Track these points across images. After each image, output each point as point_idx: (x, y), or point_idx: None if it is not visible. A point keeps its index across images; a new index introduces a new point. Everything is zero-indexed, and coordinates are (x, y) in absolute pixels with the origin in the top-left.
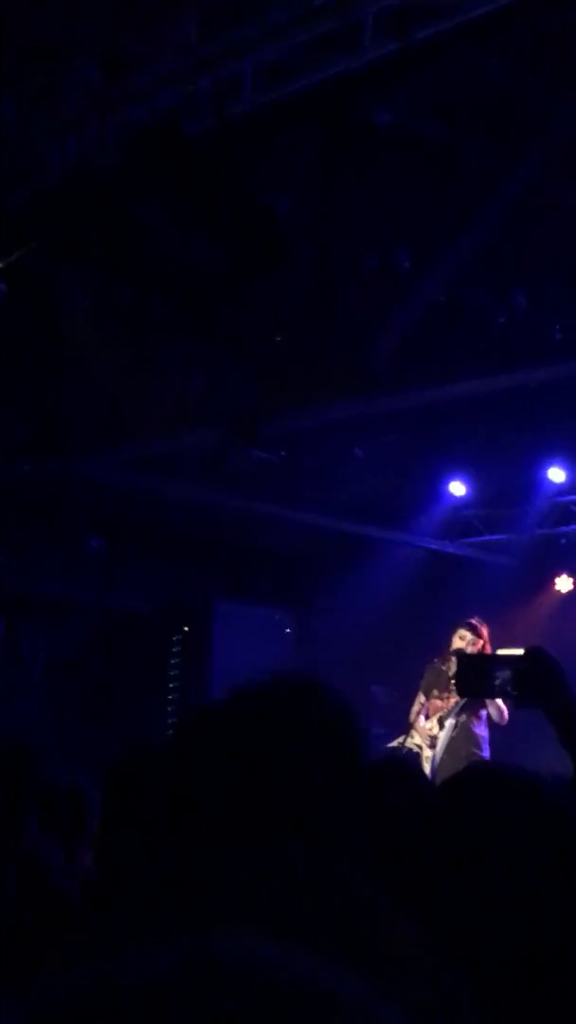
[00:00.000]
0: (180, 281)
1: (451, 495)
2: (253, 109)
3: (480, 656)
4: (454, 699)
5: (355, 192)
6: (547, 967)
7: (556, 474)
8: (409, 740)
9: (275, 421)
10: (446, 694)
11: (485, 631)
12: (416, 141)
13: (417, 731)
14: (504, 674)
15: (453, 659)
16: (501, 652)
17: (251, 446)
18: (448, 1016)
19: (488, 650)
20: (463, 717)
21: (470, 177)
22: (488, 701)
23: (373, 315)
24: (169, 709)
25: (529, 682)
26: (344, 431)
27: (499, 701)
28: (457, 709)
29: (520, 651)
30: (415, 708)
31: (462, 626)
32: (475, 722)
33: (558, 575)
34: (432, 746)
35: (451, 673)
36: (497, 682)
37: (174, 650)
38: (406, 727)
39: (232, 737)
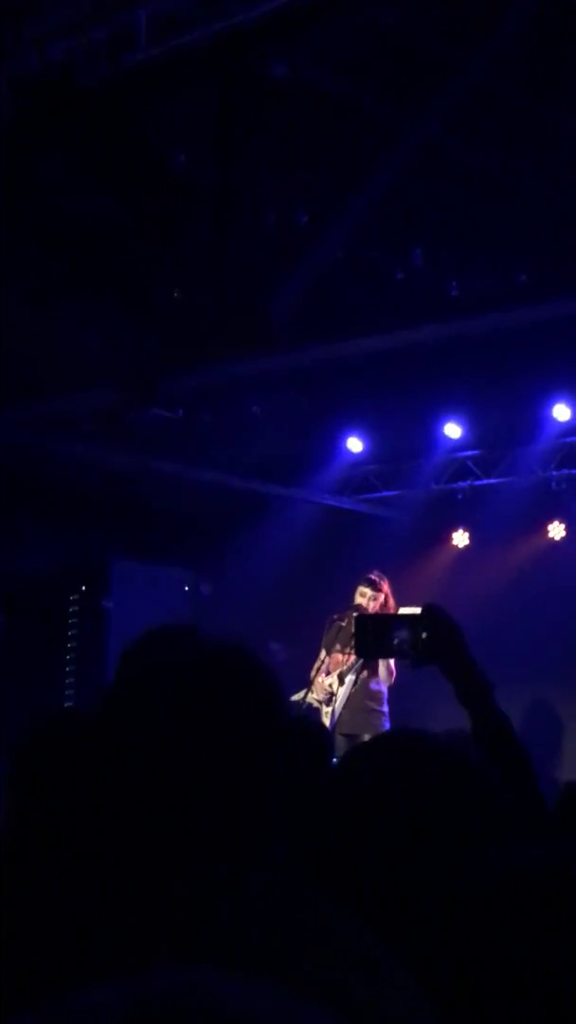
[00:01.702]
0: (75, 237)
1: (348, 452)
2: (148, 60)
3: (378, 616)
4: (353, 655)
5: (252, 147)
6: (464, 920)
7: (452, 430)
8: (310, 695)
9: (173, 379)
10: (348, 649)
11: (386, 585)
12: (313, 95)
13: (315, 685)
14: (402, 634)
15: (354, 615)
16: (400, 611)
17: (149, 405)
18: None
19: (391, 604)
20: (364, 673)
21: (368, 132)
22: (380, 661)
23: (270, 271)
24: (68, 669)
25: (426, 642)
26: (242, 389)
27: (390, 661)
28: (358, 665)
29: (418, 610)
30: (316, 664)
31: (363, 581)
32: (374, 678)
33: (454, 530)
34: (329, 702)
35: (344, 625)
36: (395, 642)
37: (72, 610)
38: (307, 683)
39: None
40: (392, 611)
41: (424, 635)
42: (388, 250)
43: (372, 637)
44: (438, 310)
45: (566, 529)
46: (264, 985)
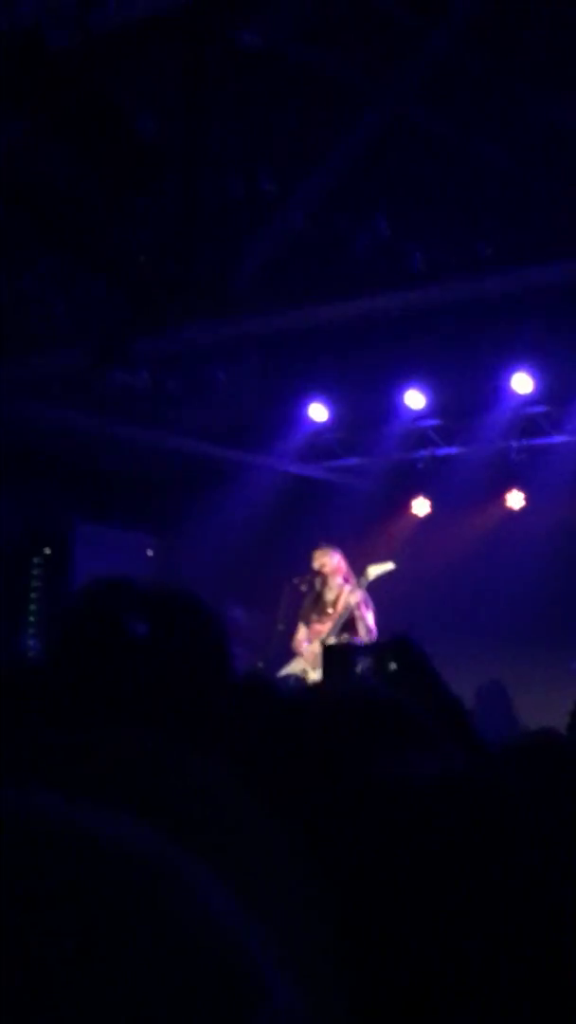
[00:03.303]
0: (41, 199)
1: (311, 419)
2: (118, 23)
3: (345, 646)
4: (331, 621)
5: (220, 114)
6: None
7: (414, 399)
8: (295, 667)
9: (138, 343)
10: (324, 617)
11: (339, 552)
12: (281, 63)
13: (303, 656)
14: (367, 662)
15: (316, 579)
16: (369, 568)
17: (114, 368)
18: (272, 881)
19: (346, 571)
20: (343, 636)
21: (335, 101)
22: (357, 618)
23: (236, 238)
24: (30, 631)
25: (395, 673)
26: (206, 354)
27: (368, 620)
28: (336, 629)
29: (389, 565)
30: (298, 636)
31: (321, 547)
32: (355, 639)
33: (415, 498)
34: (316, 667)
35: (316, 594)
36: (358, 669)
37: (34, 572)
38: (291, 656)
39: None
40: (348, 578)
41: (393, 665)
42: (352, 219)
43: (338, 667)
44: (401, 279)
45: (525, 499)
46: (98, 807)
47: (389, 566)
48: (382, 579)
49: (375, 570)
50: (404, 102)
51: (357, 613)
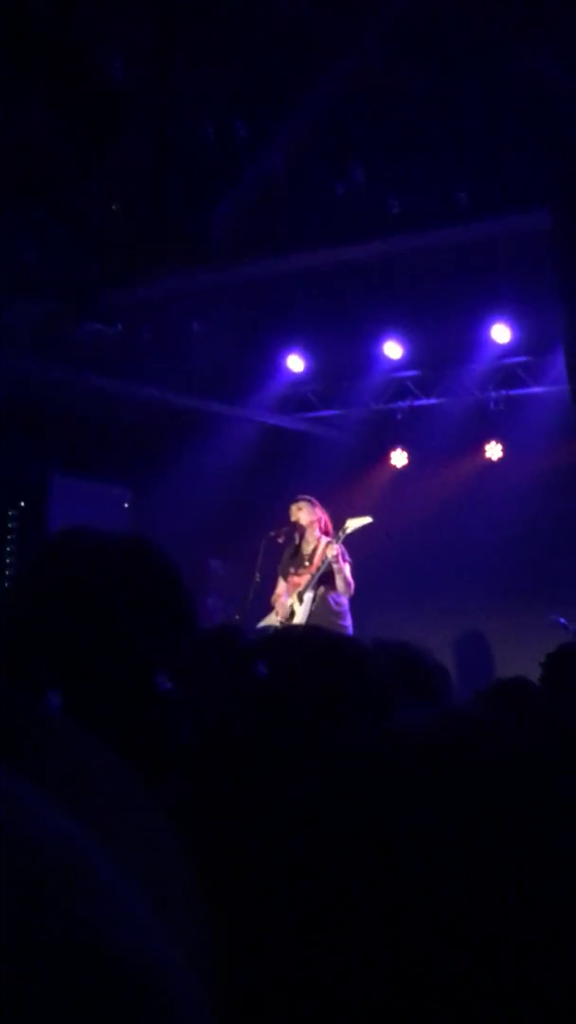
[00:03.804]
0: (11, 147)
1: (288, 370)
2: None
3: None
4: (309, 574)
5: (192, 58)
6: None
7: (392, 350)
8: (272, 620)
9: (110, 292)
10: (301, 570)
11: (318, 504)
12: (255, 7)
13: (278, 609)
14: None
15: (294, 532)
16: (348, 522)
17: (86, 318)
18: (121, 821)
19: (325, 523)
20: (320, 589)
21: (309, 47)
22: (335, 571)
23: (210, 186)
24: (6, 585)
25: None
26: (181, 304)
27: (346, 573)
28: (313, 582)
29: (367, 519)
30: (277, 590)
31: (298, 499)
32: (332, 592)
33: (393, 449)
34: (291, 620)
35: (294, 547)
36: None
37: (9, 526)
38: (268, 609)
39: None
40: (326, 531)
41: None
42: (328, 167)
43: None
44: (378, 227)
45: (503, 450)
46: None
47: (367, 519)
48: (360, 531)
49: (354, 523)
50: (380, 47)
51: (335, 567)
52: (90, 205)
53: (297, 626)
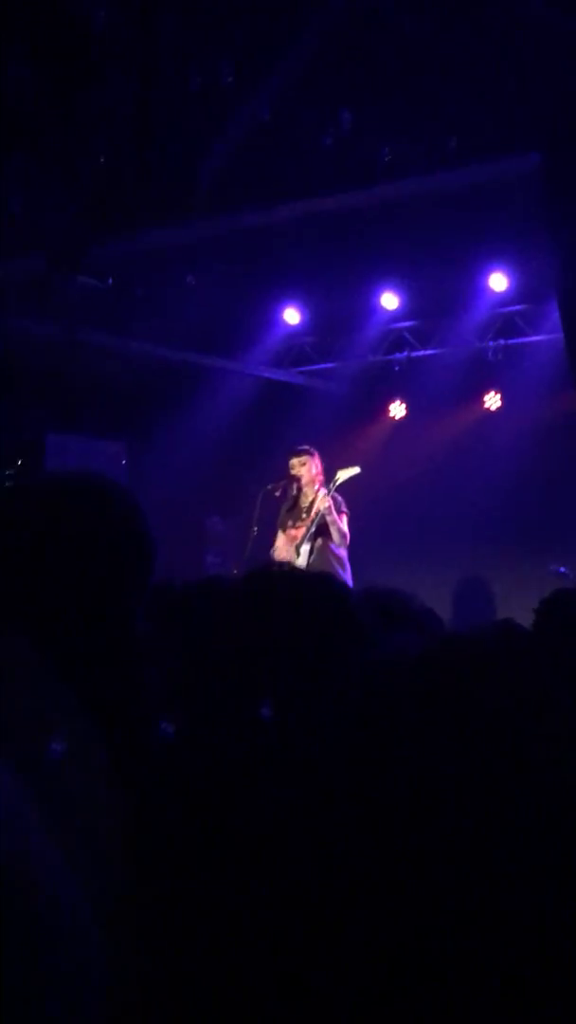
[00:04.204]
0: None
1: (284, 323)
2: None
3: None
4: (305, 526)
5: (176, 5)
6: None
7: (389, 301)
8: None
9: (100, 246)
10: (299, 523)
11: (316, 456)
12: None
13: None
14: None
15: (292, 485)
16: (338, 473)
17: (77, 272)
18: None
19: (321, 475)
20: (318, 541)
21: None
22: (329, 523)
23: (197, 135)
24: None
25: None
26: (174, 256)
27: (340, 523)
28: (309, 534)
29: (356, 470)
30: (277, 543)
31: (295, 452)
32: (329, 543)
33: (391, 401)
34: None
35: (292, 499)
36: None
37: (6, 484)
38: (267, 562)
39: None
40: (322, 482)
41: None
42: (318, 114)
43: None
44: (369, 175)
45: (501, 399)
46: None
47: (356, 470)
48: (359, 483)
49: (344, 474)
50: None
51: (329, 518)
52: (77, 157)
53: (279, 564)
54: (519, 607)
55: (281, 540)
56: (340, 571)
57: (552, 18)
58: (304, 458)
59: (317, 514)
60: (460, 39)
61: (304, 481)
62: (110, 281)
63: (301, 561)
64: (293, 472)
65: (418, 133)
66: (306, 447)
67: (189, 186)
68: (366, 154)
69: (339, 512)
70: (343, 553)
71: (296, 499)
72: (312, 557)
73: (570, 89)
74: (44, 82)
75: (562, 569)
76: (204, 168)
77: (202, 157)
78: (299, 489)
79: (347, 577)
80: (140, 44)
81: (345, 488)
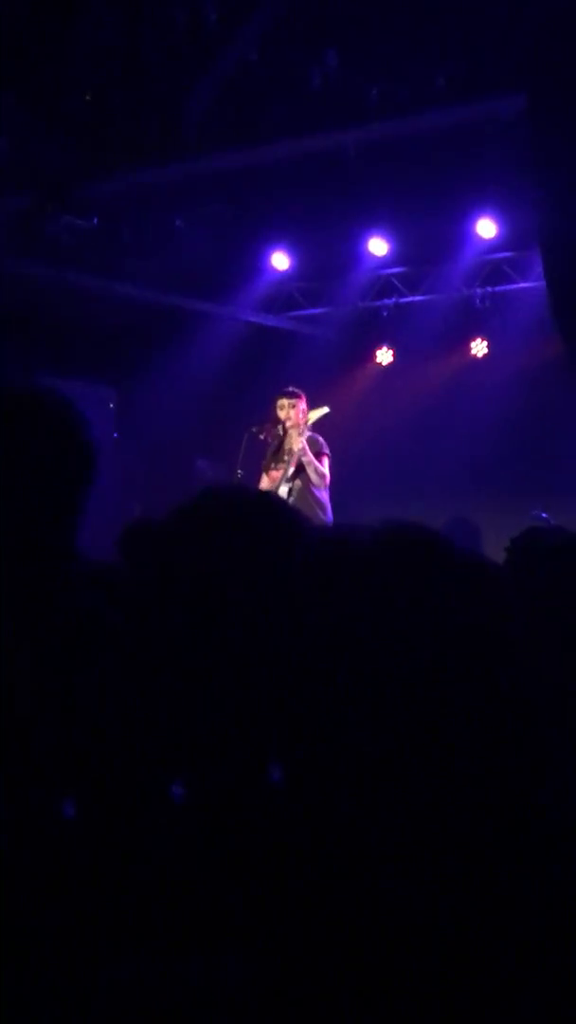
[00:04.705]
0: None
1: (273, 268)
2: None
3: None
4: (283, 467)
5: None
6: None
7: (377, 247)
8: None
9: (86, 185)
10: (280, 465)
11: (304, 399)
12: None
13: None
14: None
15: (276, 427)
16: (310, 413)
17: (63, 212)
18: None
19: (306, 418)
20: (296, 483)
21: None
22: (306, 464)
23: (184, 74)
24: None
25: None
26: (161, 198)
27: (317, 464)
28: (286, 476)
29: (325, 410)
30: (260, 486)
31: (281, 394)
32: (309, 485)
33: (379, 347)
34: None
35: (277, 442)
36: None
37: None
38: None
39: None
40: (305, 422)
41: None
42: (305, 54)
43: None
44: (356, 115)
45: (488, 346)
46: None
47: (325, 410)
48: (345, 428)
49: (314, 414)
50: None
51: (305, 459)
52: (62, 95)
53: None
54: (503, 550)
55: (265, 482)
56: (320, 514)
57: None
58: (292, 400)
59: (289, 455)
60: None
61: (290, 424)
62: (95, 220)
63: None
64: (280, 414)
65: (405, 72)
66: (294, 390)
67: (176, 125)
68: (353, 94)
69: (320, 454)
70: (324, 496)
71: (281, 441)
72: (292, 499)
73: (556, 29)
74: (30, 20)
75: (543, 515)
76: (192, 107)
77: (189, 96)
78: (284, 431)
79: (328, 520)
80: None
81: (330, 433)
